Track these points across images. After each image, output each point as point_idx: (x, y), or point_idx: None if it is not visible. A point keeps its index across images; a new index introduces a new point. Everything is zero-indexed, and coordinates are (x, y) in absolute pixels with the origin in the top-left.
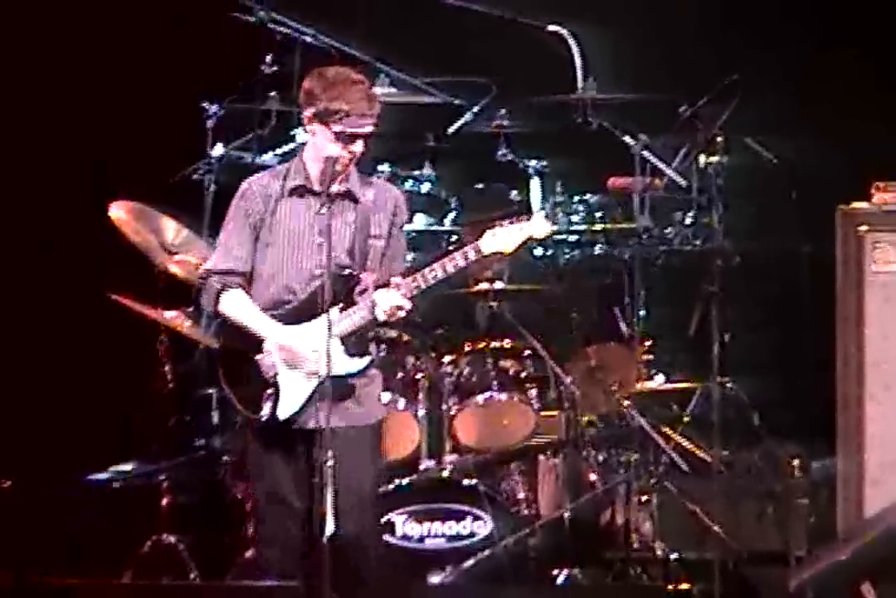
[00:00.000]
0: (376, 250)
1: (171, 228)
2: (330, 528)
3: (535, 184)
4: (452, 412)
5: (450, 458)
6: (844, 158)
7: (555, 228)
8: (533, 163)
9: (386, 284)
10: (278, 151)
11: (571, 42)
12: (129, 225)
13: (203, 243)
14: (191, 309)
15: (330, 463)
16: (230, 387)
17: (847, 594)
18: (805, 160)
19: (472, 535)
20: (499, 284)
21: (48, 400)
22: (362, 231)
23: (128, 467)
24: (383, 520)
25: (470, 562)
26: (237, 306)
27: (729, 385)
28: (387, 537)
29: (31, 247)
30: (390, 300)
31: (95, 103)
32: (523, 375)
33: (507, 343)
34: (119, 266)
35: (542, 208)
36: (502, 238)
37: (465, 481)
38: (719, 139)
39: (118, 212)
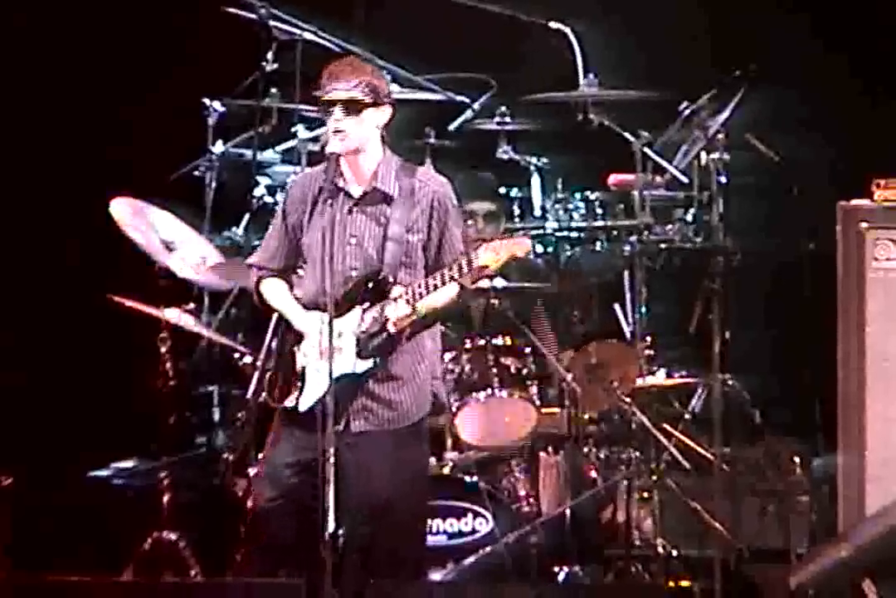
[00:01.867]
0: (413, 246)
1: (172, 225)
2: (331, 527)
3: (535, 181)
4: (453, 409)
5: (451, 455)
6: (845, 155)
7: (528, 246)
8: (534, 160)
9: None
10: (279, 148)
11: (572, 39)
12: (129, 222)
13: (203, 240)
14: (191, 306)
15: (332, 460)
16: (263, 377)
17: (848, 591)
18: (806, 157)
19: (473, 532)
20: (500, 282)
21: (49, 397)
22: (395, 229)
23: (129, 464)
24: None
25: (471, 559)
26: (272, 293)
27: (730, 382)
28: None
29: (30, 244)
30: (396, 311)
31: (96, 100)
32: (524, 372)
33: (507, 340)
34: (119, 263)
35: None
36: (494, 253)
37: (467, 479)
38: (720, 136)
39: (118, 209)
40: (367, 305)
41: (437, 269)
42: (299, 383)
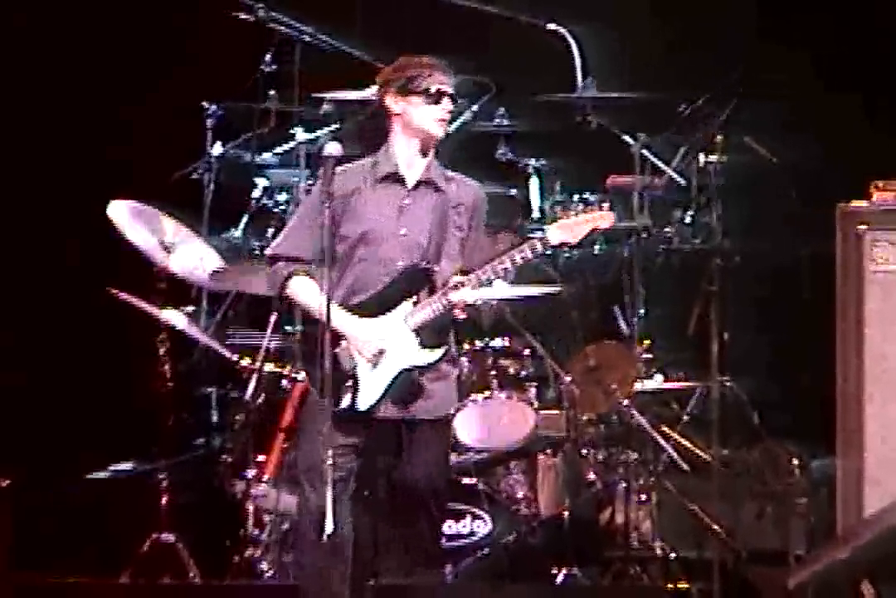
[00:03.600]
0: (455, 241)
1: (170, 227)
2: (329, 528)
3: (534, 183)
4: (452, 411)
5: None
6: (843, 157)
7: (614, 218)
8: (532, 162)
9: (463, 274)
10: (277, 150)
11: (571, 41)
12: (128, 224)
13: (201, 242)
14: (190, 308)
15: (329, 462)
16: (311, 380)
17: (846, 593)
18: (804, 159)
19: (471, 534)
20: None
21: (47, 399)
22: (442, 222)
23: (127, 466)
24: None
25: (469, 561)
26: (304, 293)
27: (728, 384)
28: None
29: (29, 245)
30: (461, 295)
31: (95, 102)
32: (523, 374)
33: (506, 342)
34: (119, 264)
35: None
36: (568, 230)
37: (465, 480)
38: (719, 138)
39: (117, 211)
40: (415, 297)
41: (470, 267)
42: (350, 384)
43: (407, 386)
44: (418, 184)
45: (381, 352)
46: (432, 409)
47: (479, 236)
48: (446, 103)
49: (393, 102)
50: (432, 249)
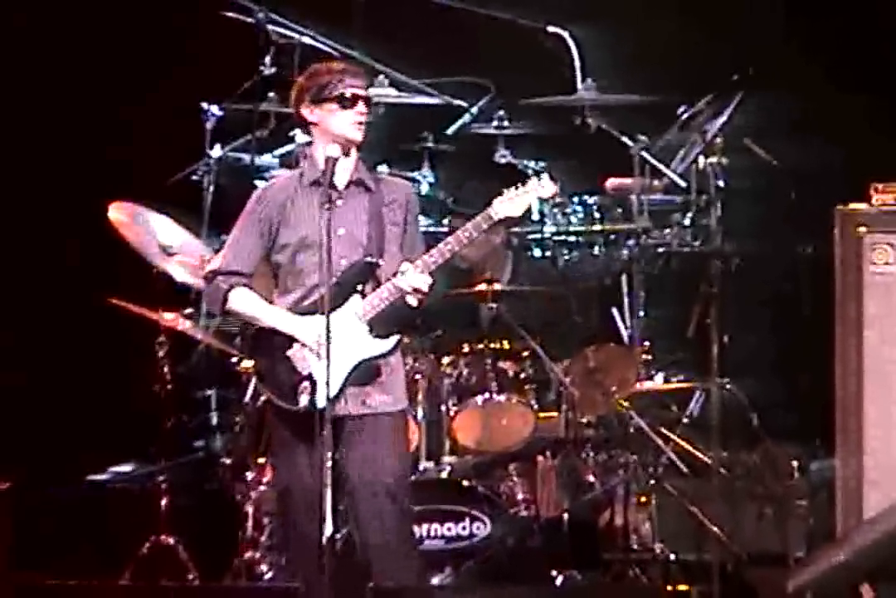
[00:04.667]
0: (393, 237)
1: (170, 230)
2: (329, 529)
3: None
4: (451, 413)
5: (448, 459)
6: (843, 159)
7: (557, 187)
8: (532, 164)
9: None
10: (277, 152)
11: (570, 43)
12: (127, 226)
13: (201, 244)
14: (189, 310)
15: (329, 464)
16: (265, 384)
17: (846, 595)
18: (803, 161)
19: (471, 536)
20: (498, 286)
21: (47, 401)
22: (378, 219)
23: (127, 468)
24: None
25: (469, 563)
26: (248, 303)
27: (728, 386)
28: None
29: (29, 248)
30: (412, 281)
31: (94, 104)
32: (522, 376)
33: (506, 344)
34: (118, 265)
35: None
36: (510, 203)
37: (464, 483)
38: (718, 140)
39: (116, 213)
40: (360, 289)
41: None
42: (307, 384)
43: (363, 381)
44: (348, 185)
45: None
46: (391, 402)
47: (416, 231)
48: (360, 106)
49: (308, 112)
50: (374, 245)
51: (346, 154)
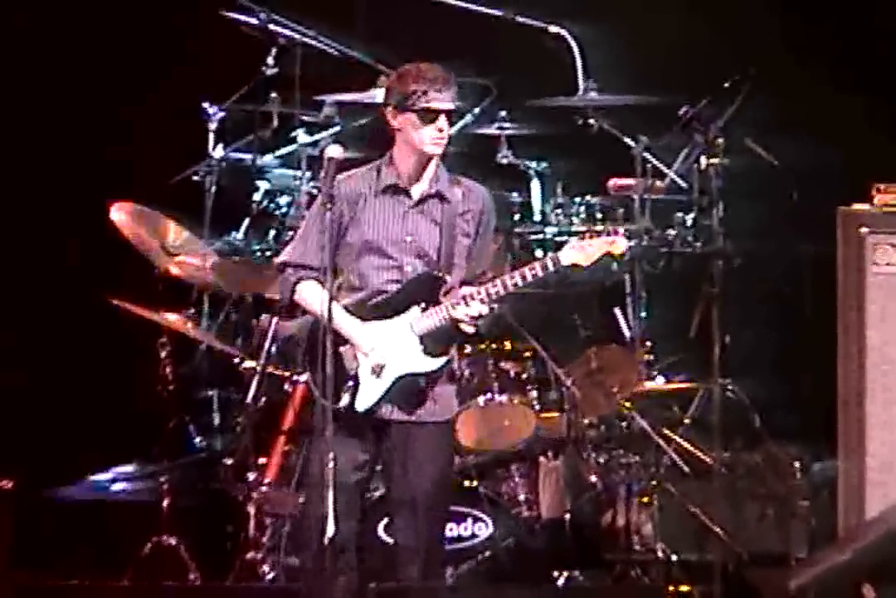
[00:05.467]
0: (463, 249)
1: (172, 230)
2: (331, 530)
3: (535, 185)
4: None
5: None
6: (845, 160)
7: (630, 245)
8: (534, 164)
9: (468, 283)
10: (279, 152)
11: (572, 43)
12: (129, 227)
13: (203, 245)
14: (191, 311)
15: (331, 465)
16: (312, 376)
17: (848, 595)
18: (805, 162)
19: (473, 536)
20: None
21: (50, 401)
22: (450, 230)
23: (129, 468)
24: (384, 522)
25: (471, 564)
26: (313, 299)
27: (730, 387)
28: (388, 538)
29: (31, 248)
30: (470, 311)
31: (96, 105)
32: (524, 376)
33: (507, 345)
34: (119, 265)
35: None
36: (581, 252)
37: (466, 483)
38: (720, 141)
39: (119, 214)
40: (423, 304)
41: (471, 273)
42: (351, 384)
43: (411, 390)
44: (425, 196)
45: (381, 366)
46: (438, 412)
47: (487, 242)
48: (442, 122)
49: (392, 117)
50: (443, 257)
51: (425, 166)
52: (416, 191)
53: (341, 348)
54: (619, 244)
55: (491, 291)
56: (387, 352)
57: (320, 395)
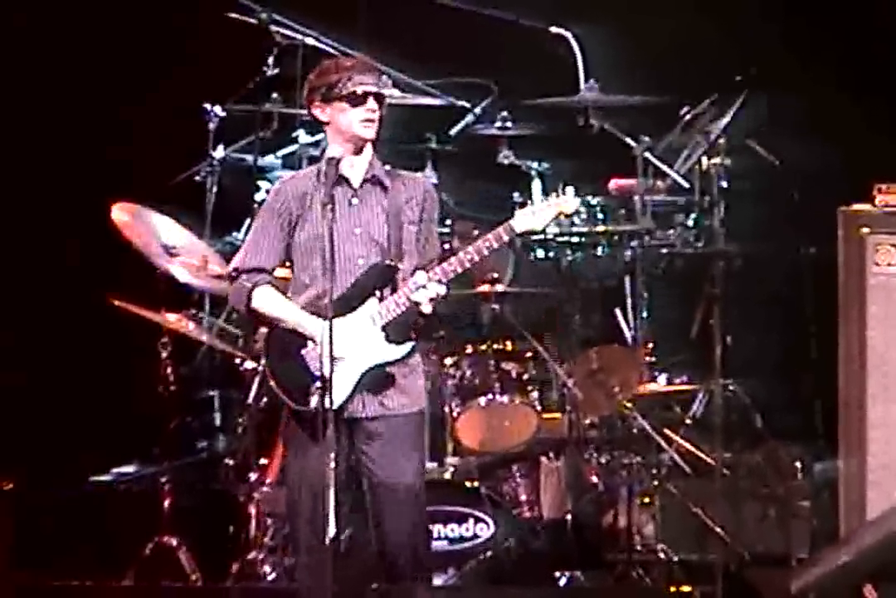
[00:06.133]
0: (410, 236)
1: (173, 230)
2: (331, 531)
3: (536, 186)
4: (454, 414)
5: (452, 460)
6: (846, 160)
7: (579, 202)
8: (535, 165)
9: (422, 269)
10: (280, 152)
11: (573, 44)
12: (130, 227)
13: (204, 245)
14: (192, 311)
15: (332, 465)
16: (276, 382)
17: (849, 596)
18: (807, 162)
19: (474, 537)
20: (500, 287)
21: (50, 401)
22: (395, 218)
23: (130, 468)
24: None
25: (472, 564)
26: (271, 303)
27: (731, 387)
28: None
29: (32, 249)
30: (429, 293)
31: (97, 105)
32: (525, 377)
33: (508, 345)
34: (120, 265)
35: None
36: (532, 216)
37: (468, 484)
38: (721, 141)
39: (120, 214)
40: (379, 294)
41: (426, 261)
42: (318, 385)
43: (380, 383)
44: (363, 182)
45: (348, 350)
46: (409, 403)
47: (433, 229)
48: (371, 103)
49: (320, 112)
50: (392, 245)
51: (359, 152)
52: (356, 178)
53: (303, 351)
54: (570, 202)
55: (448, 269)
56: (350, 347)
57: (320, 395)
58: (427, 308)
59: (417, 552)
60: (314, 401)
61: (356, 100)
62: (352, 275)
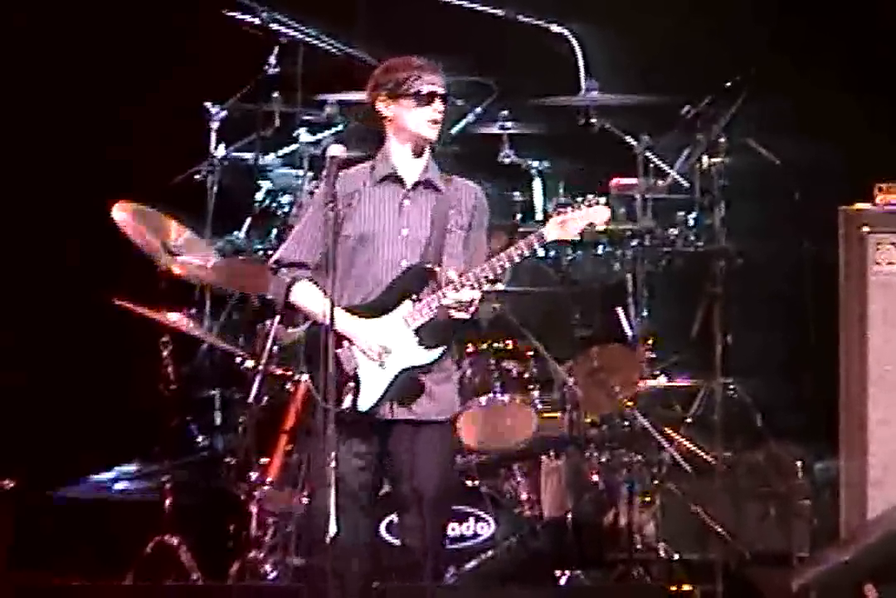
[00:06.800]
0: (457, 240)
1: (174, 229)
2: (332, 530)
3: (537, 185)
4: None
5: None
6: (846, 159)
7: (609, 213)
8: (535, 164)
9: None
10: (281, 151)
11: (574, 43)
12: (131, 226)
13: (205, 244)
14: (193, 310)
15: (333, 464)
16: (312, 379)
17: (850, 595)
18: (807, 161)
19: (475, 536)
20: (500, 286)
21: (50, 401)
22: (441, 221)
23: (130, 467)
24: (386, 522)
25: (473, 563)
26: (310, 298)
27: (732, 386)
28: (390, 538)
29: (33, 248)
30: (461, 296)
31: (98, 104)
32: (526, 376)
33: (509, 344)
34: (120, 265)
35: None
36: (564, 226)
37: (468, 483)
38: (722, 140)
39: (121, 213)
40: (415, 296)
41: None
42: (352, 385)
43: (411, 387)
44: (416, 184)
45: (386, 351)
46: (439, 410)
47: (482, 236)
48: (438, 105)
49: (384, 107)
50: (433, 248)
51: (419, 154)
52: (410, 178)
53: (338, 350)
54: (602, 213)
55: (480, 275)
56: (388, 347)
57: (321, 395)
58: (460, 314)
59: (437, 556)
60: (348, 401)
61: (424, 99)
62: (393, 275)
